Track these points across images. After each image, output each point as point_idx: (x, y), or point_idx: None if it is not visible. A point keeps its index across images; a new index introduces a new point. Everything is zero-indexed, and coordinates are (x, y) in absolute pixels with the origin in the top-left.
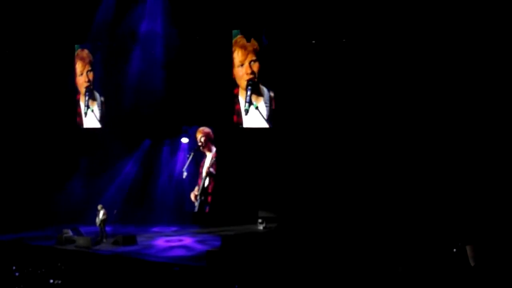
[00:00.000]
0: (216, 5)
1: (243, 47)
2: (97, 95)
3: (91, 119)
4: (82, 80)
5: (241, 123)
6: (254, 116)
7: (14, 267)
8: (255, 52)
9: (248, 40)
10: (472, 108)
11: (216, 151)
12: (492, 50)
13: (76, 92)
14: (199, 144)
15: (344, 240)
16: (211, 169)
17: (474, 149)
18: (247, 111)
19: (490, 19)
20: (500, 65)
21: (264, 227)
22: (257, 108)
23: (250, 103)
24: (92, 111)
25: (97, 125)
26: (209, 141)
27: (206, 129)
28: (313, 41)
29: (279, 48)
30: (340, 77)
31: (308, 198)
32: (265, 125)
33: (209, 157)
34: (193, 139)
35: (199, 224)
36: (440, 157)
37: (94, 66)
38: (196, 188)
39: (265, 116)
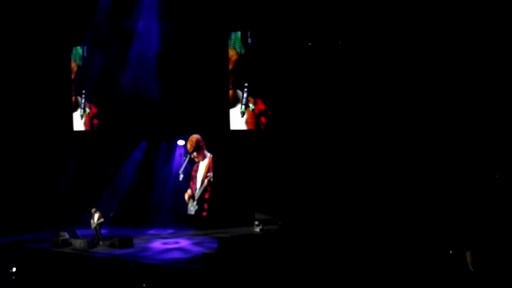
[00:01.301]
0: (211, 8)
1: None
2: (92, 98)
3: (86, 122)
4: (78, 83)
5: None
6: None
7: (10, 270)
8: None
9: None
10: (471, 109)
11: (212, 157)
12: (490, 52)
13: (71, 95)
14: (192, 156)
15: (341, 243)
16: (211, 178)
17: (473, 150)
18: (243, 114)
19: (488, 20)
20: (499, 68)
21: (260, 229)
22: (253, 110)
23: (247, 105)
24: (88, 114)
25: (93, 128)
26: (200, 149)
27: (194, 137)
28: (309, 43)
29: (275, 50)
30: (336, 78)
31: (305, 200)
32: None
33: (203, 164)
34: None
35: (196, 227)
36: (434, 161)
37: (89, 70)
38: (189, 191)
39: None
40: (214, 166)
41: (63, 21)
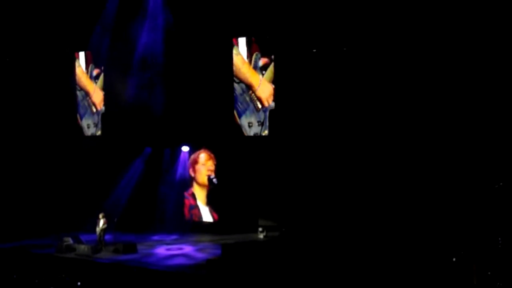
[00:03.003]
0: (217, 15)
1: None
2: (99, 103)
3: (92, 127)
4: (83, 88)
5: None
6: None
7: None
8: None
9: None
10: (474, 114)
11: (216, 160)
12: (498, 59)
13: (77, 100)
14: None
15: (344, 249)
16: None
17: (477, 158)
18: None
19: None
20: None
21: (264, 236)
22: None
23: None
24: (99, 123)
25: (98, 133)
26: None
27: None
28: (314, 50)
29: (281, 58)
30: (340, 85)
31: (309, 207)
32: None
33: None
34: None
35: (200, 233)
36: (440, 169)
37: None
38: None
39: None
40: (219, 173)
41: (67, 25)
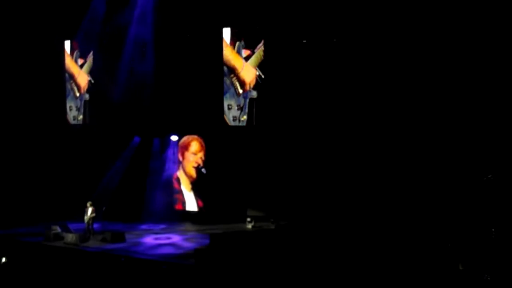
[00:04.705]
0: (206, 5)
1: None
2: (83, 87)
3: (74, 110)
4: (68, 70)
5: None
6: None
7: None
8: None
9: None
10: (466, 107)
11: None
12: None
13: (65, 89)
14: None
15: (335, 238)
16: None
17: (466, 151)
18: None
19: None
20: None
21: (252, 226)
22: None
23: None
24: (81, 108)
25: (87, 122)
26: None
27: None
28: (304, 41)
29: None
30: (330, 76)
31: (297, 197)
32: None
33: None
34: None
35: (188, 222)
36: (427, 160)
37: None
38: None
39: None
40: (207, 161)
41: (56, 14)
